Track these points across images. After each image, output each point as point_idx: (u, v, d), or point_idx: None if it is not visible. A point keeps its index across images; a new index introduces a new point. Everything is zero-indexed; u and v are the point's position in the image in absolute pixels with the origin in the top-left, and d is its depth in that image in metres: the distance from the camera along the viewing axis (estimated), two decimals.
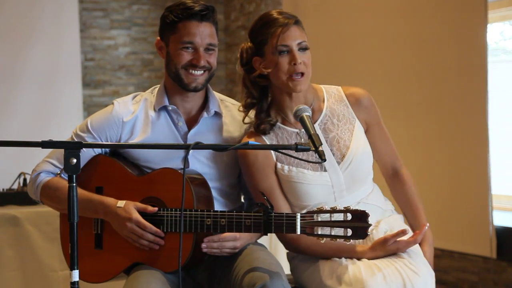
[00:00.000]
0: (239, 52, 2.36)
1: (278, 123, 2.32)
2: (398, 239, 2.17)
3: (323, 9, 5.23)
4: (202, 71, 2.30)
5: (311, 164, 2.27)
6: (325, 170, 2.28)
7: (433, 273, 2.20)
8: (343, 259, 2.18)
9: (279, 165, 2.29)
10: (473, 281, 4.22)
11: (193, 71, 2.28)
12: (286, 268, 2.36)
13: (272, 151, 2.30)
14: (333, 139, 2.31)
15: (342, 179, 2.28)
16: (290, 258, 2.42)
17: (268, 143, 2.30)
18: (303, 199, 2.28)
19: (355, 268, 2.12)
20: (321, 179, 2.27)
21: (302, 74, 2.22)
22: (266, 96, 2.33)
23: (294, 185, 2.27)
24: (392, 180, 2.45)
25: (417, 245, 2.27)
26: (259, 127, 2.30)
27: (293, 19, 2.26)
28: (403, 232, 2.16)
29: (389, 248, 2.17)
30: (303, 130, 2.28)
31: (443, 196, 4.24)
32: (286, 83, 2.24)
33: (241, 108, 2.37)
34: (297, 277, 2.37)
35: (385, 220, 2.34)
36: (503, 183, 4.30)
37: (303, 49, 2.24)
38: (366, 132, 2.37)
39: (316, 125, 2.31)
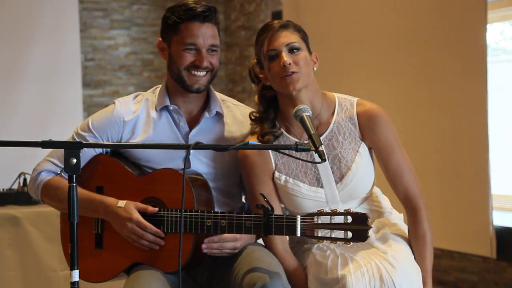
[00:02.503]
0: (248, 71, 2.37)
1: (283, 131, 2.30)
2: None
3: (324, 9, 5.23)
4: (205, 72, 2.29)
5: (308, 178, 2.26)
6: (322, 187, 2.27)
7: (419, 269, 2.18)
8: (329, 261, 2.18)
9: (277, 174, 2.29)
10: (473, 281, 4.22)
11: (195, 72, 2.28)
12: None
13: (273, 160, 2.29)
14: (335, 157, 2.27)
15: (337, 197, 2.27)
16: None
17: (269, 150, 2.29)
18: (296, 209, 2.29)
19: (333, 268, 2.13)
20: (315, 195, 2.26)
21: (294, 73, 2.18)
22: (273, 107, 2.31)
23: (289, 195, 2.28)
24: (408, 216, 2.29)
25: (403, 241, 2.25)
26: (264, 138, 2.28)
27: (281, 23, 2.23)
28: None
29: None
30: (304, 140, 2.28)
31: (443, 196, 4.24)
32: (280, 85, 2.21)
33: (251, 122, 2.36)
34: None
35: (379, 220, 2.34)
36: (503, 183, 4.30)
37: (293, 50, 2.20)
38: (377, 154, 2.28)
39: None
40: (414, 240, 2.26)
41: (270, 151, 2.28)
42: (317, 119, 2.28)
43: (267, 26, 2.24)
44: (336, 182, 2.26)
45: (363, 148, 2.27)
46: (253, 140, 2.29)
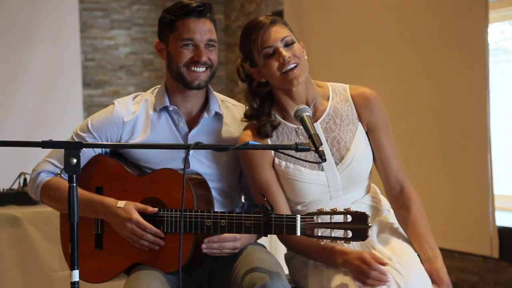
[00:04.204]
0: (236, 70, 2.36)
1: (280, 119, 2.31)
2: (373, 270, 2.05)
3: (324, 9, 5.23)
4: (204, 68, 2.29)
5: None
6: (322, 170, 2.27)
7: (428, 280, 2.16)
8: (330, 270, 2.17)
9: (276, 160, 2.29)
10: (473, 281, 4.22)
11: (195, 68, 2.28)
12: (286, 269, 2.36)
13: None
14: (334, 139, 2.29)
15: (338, 179, 2.27)
16: (287, 260, 2.43)
17: (268, 138, 2.29)
18: (298, 196, 2.29)
19: (336, 275, 2.12)
20: (317, 178, 2.27)
21: (295, 66, 2.20)
22: (268, 100, 2.32)
23: (290, 181, 2.27)
24: (397, 198, 2.32)
25: (405, 242, 2.23)
26: (261, 130, 2.28)
27: (269, 19, 2.24)
28: (383, 264, 2.06)
29: (358, 275, 2.08)
30: (299, 127, 2.28)
31: (444, 196, 4.24)
32: (281, 80, 2.22)
33: (244, 119, 2.36)
34: (293, 277, 2.39)
35: (378, 220, 2.33)
36: (504, 183, 4.29)
37: (289, 44, 2.22)
38: (370, 135, 2.32)
39: (317, 124, 2.29)
40: (415, 219, 2.26)
41: (268, 139, 2.29)
42: (313, 106, 2.30)
43: (257, 24, 2.24)
44: (336, 164, 2.27)
45: (361, 130, 2.31)
46: (248, 137, 2.29)
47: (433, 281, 2.17)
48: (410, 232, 2.27)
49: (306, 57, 2.28)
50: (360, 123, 2.31)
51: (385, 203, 2.41)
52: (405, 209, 2.29)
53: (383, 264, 2.06)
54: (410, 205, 2.29)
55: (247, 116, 2.34)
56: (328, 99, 2.33)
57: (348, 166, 2.27)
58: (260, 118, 2.30)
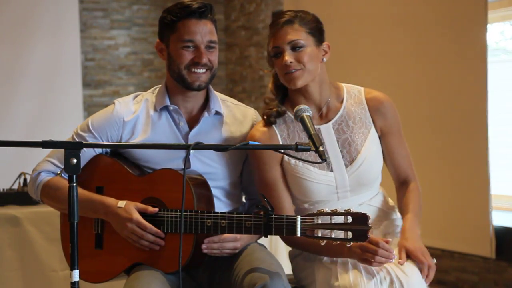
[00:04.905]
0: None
1: (291, 116, 2.31)
2: (380, 249, 2.06)
3: (325, 9, 5.23)
4: (205, 70, 2.29)
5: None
6: (332, 170, 2.28)
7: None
8: (338, 268, 2.18)
9: (286, 158, 2.29)
10: (473, 281, 4.22)
11: (195, 70, 2.28)
12: (287, 268, 2.36)
13: (281, 142, 2.30)
14: (345, 141, 2.30)
15: (347, 181, 2.28)
16: (291, 257, 2.43)
17: (278, 134, 2.31)
18: (305, 195, 2.29)
19: (345, 278, 2.12)
20: (325, 179, 2.27)
21: (297, 70, 2.22)
22: (283, 91, 2.35)
23: (298, 179, 2.28)
24: (400, 188, 2.39)
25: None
26: (265, 114, 2.30)
27: (286, 18, 2.25)
28: (387, 242, 2.07)
29: (365, 255, 2.09)
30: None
31: (444, 196, 4.24)
32: (283, 79, 2.26)
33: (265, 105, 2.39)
34: (297, 275, 2.39)
35: (385, 223, 2.33)
36: (503, 183, 4.30)
37: (296, 48, 2.23)
38: (382, 139, 2.34)
39: (329, 124, 2.30)
40: (412, 197, 2.31)
41: (279, 136, 2.30)
42: (326, 106, 2.31)
43: (275, 20, 2.28)
44: (346, 166, 2.28)
45: (373, 133, 2.31)
46: (258, 132, 2.30)
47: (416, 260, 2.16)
48: (401, 212, 2.32)
49: (325, 59, 2.29)
50: (373, 126, 2.32)
51: (393, 207, 2.41)
52: (401, 198, 2.35)
53: (387, 242, 2.08)
54: (406, 193, 2.34)
55: (267, 102, 2.37)
56: (342, 101, 2.34)
57: (358, 169, 2.27)
58: (271, 103, 2.33)
